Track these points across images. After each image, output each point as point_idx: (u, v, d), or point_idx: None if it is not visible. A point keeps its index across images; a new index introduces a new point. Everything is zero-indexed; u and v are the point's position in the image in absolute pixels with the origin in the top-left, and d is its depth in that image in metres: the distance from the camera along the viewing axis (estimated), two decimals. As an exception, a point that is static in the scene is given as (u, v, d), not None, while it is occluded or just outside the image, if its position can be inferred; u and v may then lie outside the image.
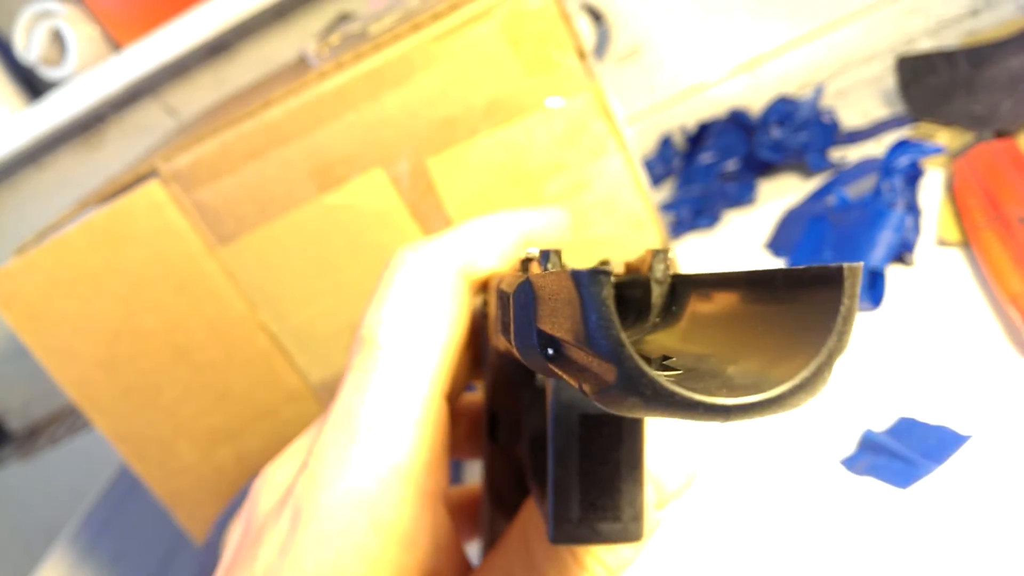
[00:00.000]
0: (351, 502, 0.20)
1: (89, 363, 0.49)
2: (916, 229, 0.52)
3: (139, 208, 0.47)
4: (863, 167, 0.61)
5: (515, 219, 0.27)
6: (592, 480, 0.19)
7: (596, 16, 0.86)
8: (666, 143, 0.82)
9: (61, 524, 0.80)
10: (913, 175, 0.56)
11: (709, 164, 0.74)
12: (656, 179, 0.81)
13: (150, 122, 0.99)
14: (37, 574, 0.70)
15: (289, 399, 0.52)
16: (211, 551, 0.44)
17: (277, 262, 0.49)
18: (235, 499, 0.48)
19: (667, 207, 0.72)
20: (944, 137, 0.62)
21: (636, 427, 0.19)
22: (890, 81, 0.73)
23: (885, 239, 0.49)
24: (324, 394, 0.52)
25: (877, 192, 0.53)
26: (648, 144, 0.87)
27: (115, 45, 0.90)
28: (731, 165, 0.72)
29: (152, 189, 0.46)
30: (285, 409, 0.52)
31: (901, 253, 0.51)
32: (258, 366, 0.51)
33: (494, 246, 0.26)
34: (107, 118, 0.99)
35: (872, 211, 0.51)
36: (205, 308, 0.49)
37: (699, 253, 0.65)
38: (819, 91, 0.71)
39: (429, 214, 0.50)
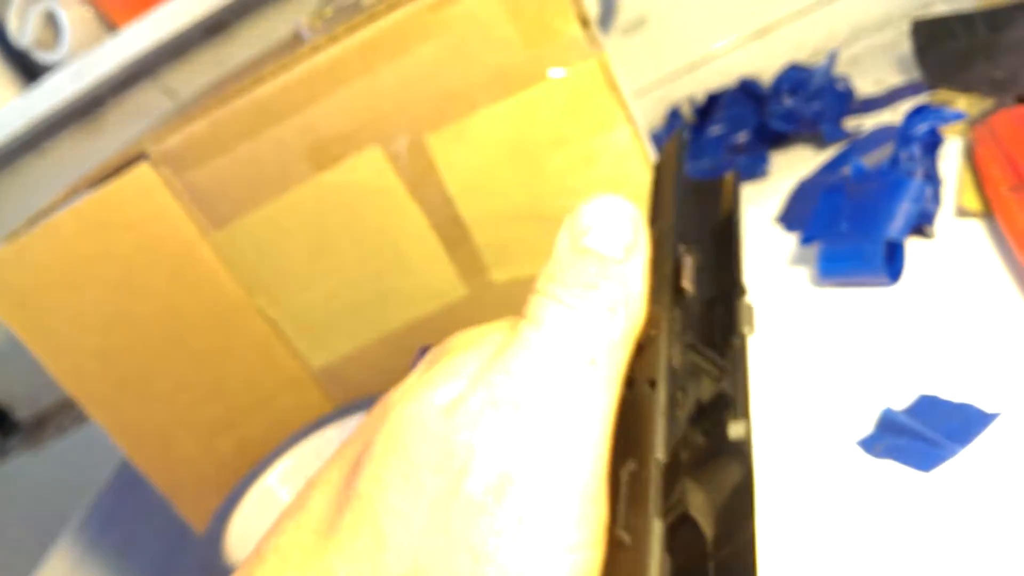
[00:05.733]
0: None
1: (83, 353, 0.47)
2: (936, 199, 0.50)
3: (129, 192, 0.45)
4: (879, 135, 0.59)
5: None
6: None
7: (601, -14, 0.84)
8: (674, 115, 0.80)
9: (70, 514, 0.79)
10: (932, 143, 0.54)
11: (719, 136, 0.72)
12: (664, 153, 0.79)
13: (150, 104, 0.98)
14: (43, 566, 0.70)
15: (289, 386, 0.51)
16: (211, 543, 0.43)
17: (273, 245, 0.47)
18: (236, 489, 0.47)
19: (676, 181, 0.70)
20: (963, 103, 0.59)
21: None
22: (905, 47, 0.71)
23: (904, 210, 0.48)
24: (325, 379, 0.51)
25: (895, 161, 0.52)
26: (656, 117, 0.84)
27: (110, 26, 0.89)
28: (742, 137, 0.70)
29: (142, 172, 0.45)
30: (285, 396, 0.51)
31: (920, 224, 0.49)
32: (256, 353, 0.49)
33: None
34: (106, 101, 0.97)
35: (890, 181, 0.49)
36: (200, 294, 0.48)
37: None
38: (833, 57, 0.69)
39: (429, 193, 0.48)
